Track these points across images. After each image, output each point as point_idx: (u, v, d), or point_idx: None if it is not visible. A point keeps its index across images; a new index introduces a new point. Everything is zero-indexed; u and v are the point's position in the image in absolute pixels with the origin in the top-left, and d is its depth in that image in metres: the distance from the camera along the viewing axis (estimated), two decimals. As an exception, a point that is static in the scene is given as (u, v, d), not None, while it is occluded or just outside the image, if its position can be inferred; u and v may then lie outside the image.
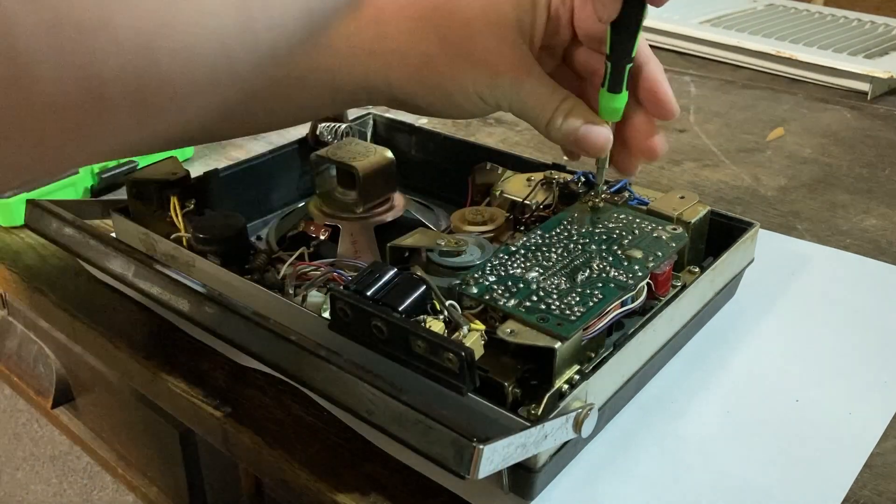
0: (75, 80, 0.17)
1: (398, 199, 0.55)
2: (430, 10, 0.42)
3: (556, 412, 0.34)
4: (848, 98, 0.85)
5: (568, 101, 0.41)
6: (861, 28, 1.00)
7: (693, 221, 0.45)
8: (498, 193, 0.52)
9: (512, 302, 0.38)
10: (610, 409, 0.40)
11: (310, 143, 0.60)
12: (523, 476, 0.35)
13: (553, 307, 0.38)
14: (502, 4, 0.41)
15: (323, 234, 0.51)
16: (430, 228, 0.53)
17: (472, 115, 0.44)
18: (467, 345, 0.35)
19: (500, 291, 0.39)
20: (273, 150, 0.59)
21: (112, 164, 0.64)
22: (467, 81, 0.41)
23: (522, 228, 0.49)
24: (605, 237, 0.44)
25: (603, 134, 0.41)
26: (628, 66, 0.40)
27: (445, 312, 0.38)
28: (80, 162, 0.20)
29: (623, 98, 0.41)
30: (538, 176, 0.52)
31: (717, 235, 0.47)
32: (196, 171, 0.54)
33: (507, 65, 0.41)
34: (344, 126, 0.61)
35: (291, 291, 0.44)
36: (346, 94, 0.44)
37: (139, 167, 0.64)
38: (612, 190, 0.48)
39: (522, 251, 0.42)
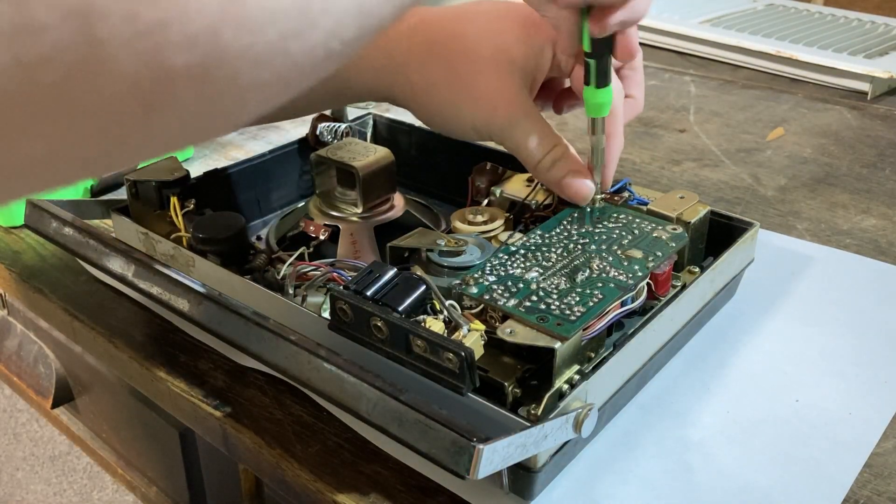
0: (146, 71, 0.17)
1: (398, 199, 0.55)
2: (440, 39, 0.43)
3: (556, 412, 0.34)
4: (848, 98, 0.85)
5: (557, 148, 0.43)
6: (861, 28, 1.00)
7: (693, 221, 0.45)
8: (498, 193, 0.52)
9: (512, 302, 0.38)
10: (610, 409, 0.40)
11: (310, 143, 0.60)
12: (523, 476, 0.35)
13: (553, 307, 0.38)
14: (513, 50, 0.43)
15: (323, 234, 0.51)
16: (430, 228, 0.52)
17: (465, 140, 0.46)
18: (467, 345, 0.35)
19: (499, 291, 0.39)
20: (273, 150, 0.59)
21: (112, 164, 0.64)
22: (466, 113, 0.43)
23: (522, 228, 0.49)
24: (604, 237, 0.44)
25: (585, 186, 0.44)
26: (594, 62, 0.41)
27: (445, 312, 0.38)
28: (132, 159, 0.20)
29: (606, 93, 0.42)
30: (538, 176, 0.52)
31: (717, 235, 0.47)
32: (196, 171, 0.54)
33: (506, 106, 0.42)
34: (344, 126, 0.61)
35: (291, 291, 0.44)
36: (349, 98, 0.46)
37: (139, 167, 0.63)
38: (612, 190, 0.48)
39: (522, 251, 0.42)
